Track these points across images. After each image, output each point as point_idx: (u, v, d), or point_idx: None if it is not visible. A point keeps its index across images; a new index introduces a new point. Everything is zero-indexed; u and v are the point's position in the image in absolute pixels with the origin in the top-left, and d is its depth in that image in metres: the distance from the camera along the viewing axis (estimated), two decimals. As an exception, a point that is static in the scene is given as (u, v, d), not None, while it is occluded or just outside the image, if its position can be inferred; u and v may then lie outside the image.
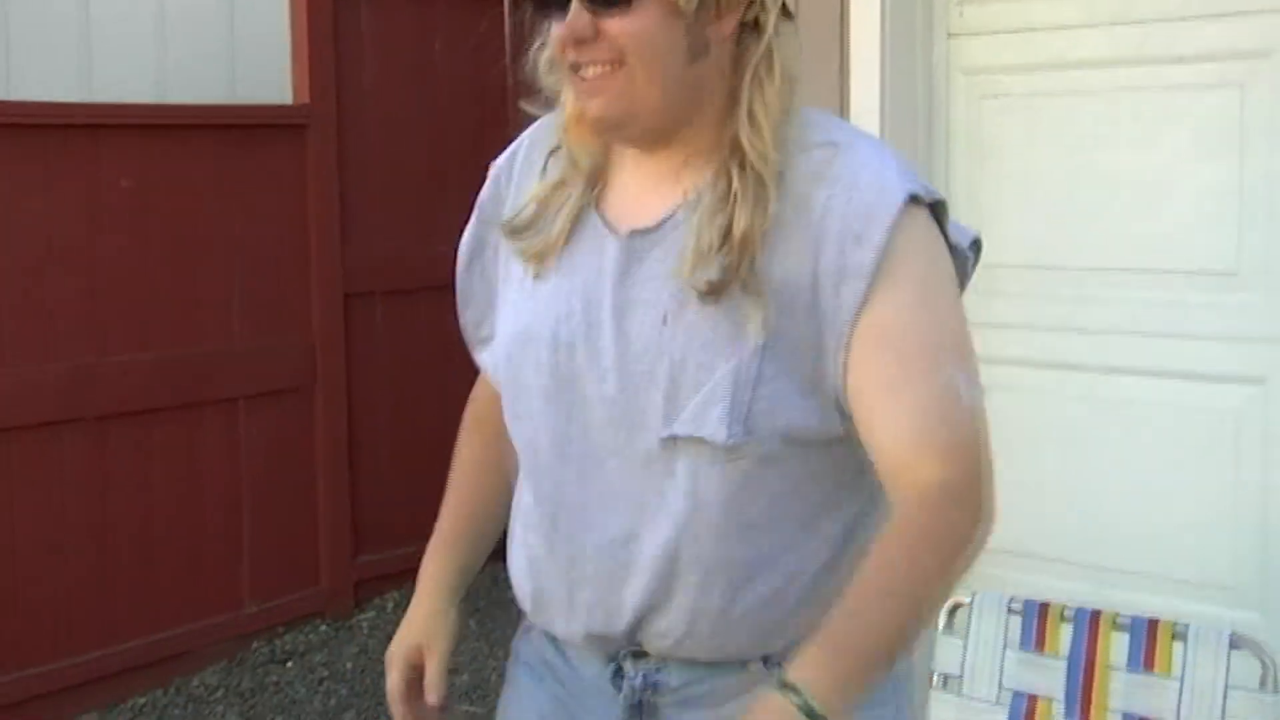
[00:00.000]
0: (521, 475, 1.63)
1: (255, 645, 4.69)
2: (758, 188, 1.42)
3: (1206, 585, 2.88)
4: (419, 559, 5.43)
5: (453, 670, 4.64)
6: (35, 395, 4.15)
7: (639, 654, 1.55)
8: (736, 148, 1.43)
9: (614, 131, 1.49)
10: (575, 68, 1.45)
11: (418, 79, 5.19)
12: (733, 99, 1.45)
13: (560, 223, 1.54)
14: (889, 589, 1.34)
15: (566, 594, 1.56)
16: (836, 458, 1.48)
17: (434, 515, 5.84)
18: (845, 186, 1.42)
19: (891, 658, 1.35)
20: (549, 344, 1.52)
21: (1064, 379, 3.03)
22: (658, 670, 1.54)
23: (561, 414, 1.53)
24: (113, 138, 4.31)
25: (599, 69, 1.44)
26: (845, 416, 1.44)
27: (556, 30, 1.45)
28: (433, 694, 1.70)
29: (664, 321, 1.45)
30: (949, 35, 3.14)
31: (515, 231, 1.58)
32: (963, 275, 1.49)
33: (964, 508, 1.38)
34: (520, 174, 1.66)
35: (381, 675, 4.72)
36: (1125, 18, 2.91)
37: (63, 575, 4.23)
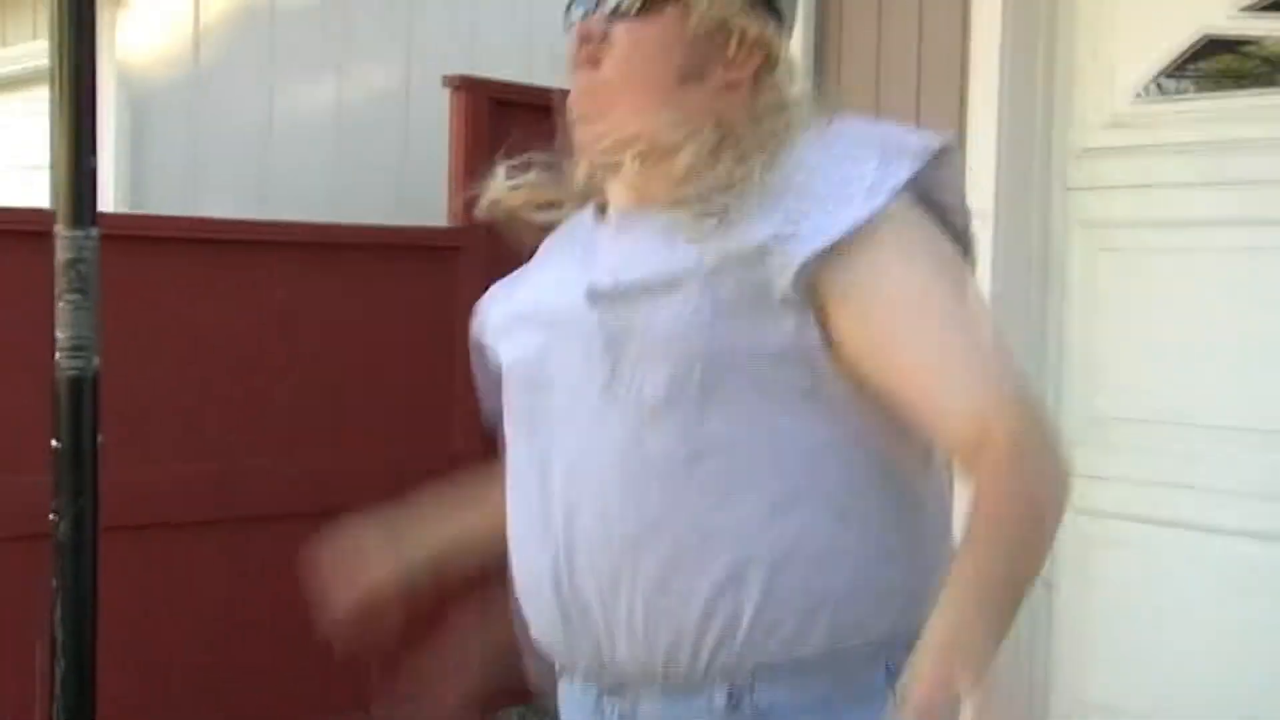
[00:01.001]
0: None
1: (395, 741, 4.79)
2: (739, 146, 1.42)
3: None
4: (541, 674, 5.47)
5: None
6: (184, 495, 4.36)
7: (615, 688, 1.46)
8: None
9: (580, 125, 1.51)
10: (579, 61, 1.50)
11: (572, 200, 5.37)
12: (733, 143, 1.43)
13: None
14: (995, 548, 1.25)
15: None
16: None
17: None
18: (830, 151, 1.40)
19: (1014, 614, 1.25)
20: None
21: (1173, 537, 3.00)
22: (632, 706, 1.45)
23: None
24: (271, 254, 4.55)
25: (590, 58, 1.48)
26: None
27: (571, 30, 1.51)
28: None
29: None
30: (1067, 189, 3.17)
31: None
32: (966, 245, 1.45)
33: (1044, 457, 1.33)
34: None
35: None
36: (1242, 179, 2.91)
37: (199, 669, 4.40)
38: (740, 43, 1.45)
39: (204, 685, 4.42)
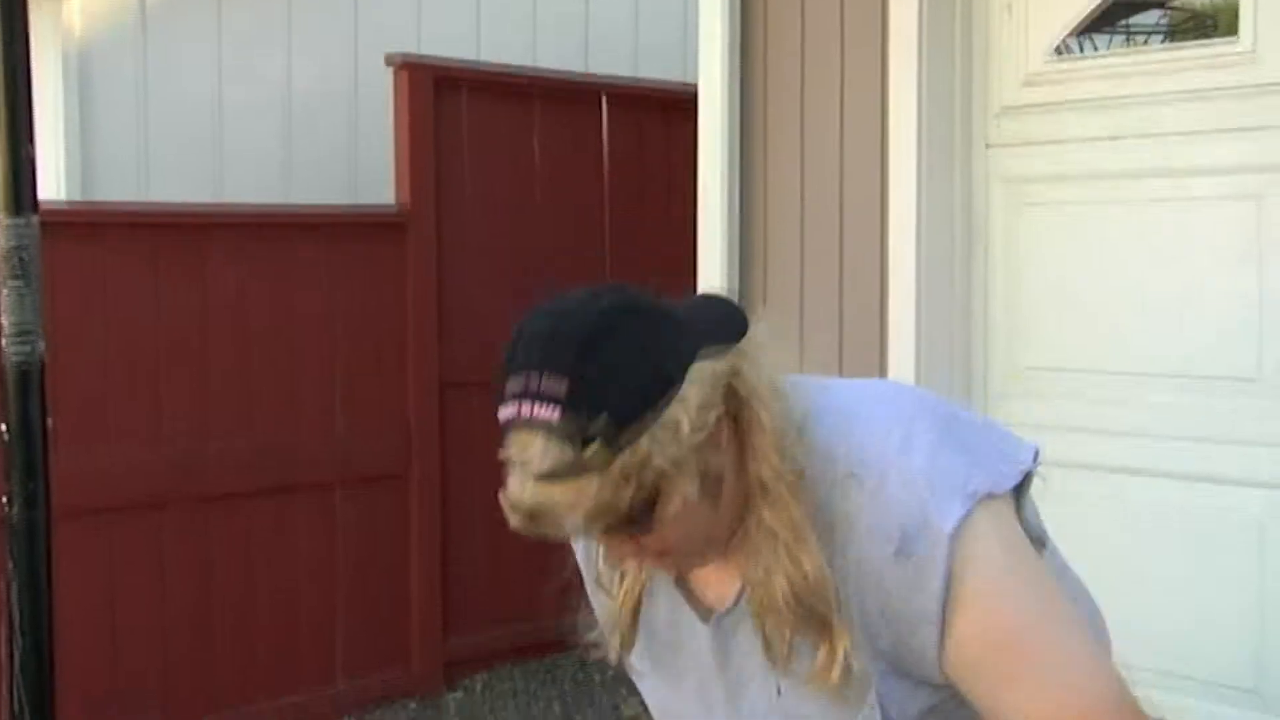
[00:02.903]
0: None
1: (346, 721, 4.88)
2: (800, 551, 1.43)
3: (1229, 688, 2.91)
4: (508, 642, 5.60)
5: (534, 752, 4.69)
6: (141, 478, 4.43)
7: None
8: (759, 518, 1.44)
9: (672, 567, 1.54)
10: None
11: (515, 176, 5.43)
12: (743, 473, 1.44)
13: (626, 612, 1.59)
14: None
15: None
16: None
17: (522, 601, 6.10)
18: (880, 538, 1.42)
19: None
20: None
21: (1092, 480, 3.10)
22: None
23: None
24: (219, 237, 4.61)
25: (652, 560, 1.49)
26: None
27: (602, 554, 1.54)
28: None
29: (778, 693, 1.50)
30: (987, 146, 3.26)
31: (597, 647, 1.63)
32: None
33: None
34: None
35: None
36: (1149, 131, 3.01)
37: (165, 648, 4.48)
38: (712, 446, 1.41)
39: (170, 664, 4.50)
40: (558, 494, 1.36)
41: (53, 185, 4.61)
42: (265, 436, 4.70)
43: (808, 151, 3.38)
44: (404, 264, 5.05)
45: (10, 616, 2.85)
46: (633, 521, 1.39)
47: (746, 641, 1.50)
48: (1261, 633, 2.89)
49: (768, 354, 1.46)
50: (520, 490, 1.37)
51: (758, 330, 1.47)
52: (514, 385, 1.40)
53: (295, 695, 4.80)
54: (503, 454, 1.40)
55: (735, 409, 1.41)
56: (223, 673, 4.61)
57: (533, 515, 1.38)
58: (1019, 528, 1.50)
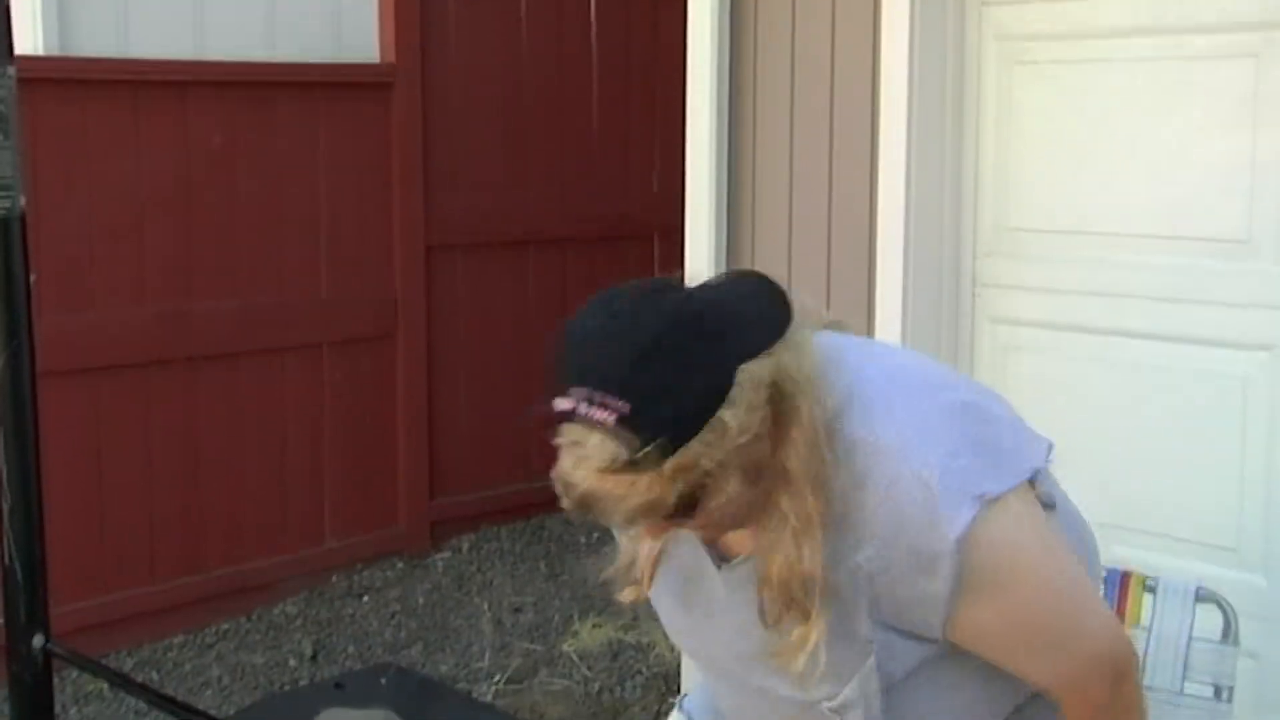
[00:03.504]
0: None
1: (334, 579, 4.93)
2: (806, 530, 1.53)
3: (1211, 547, 2.94)
4: (493, 503, 5.62)
5: (518, 609, 4.83)
6: (127, 338, 4.41)
7: None
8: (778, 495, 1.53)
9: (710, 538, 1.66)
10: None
11: (502, 36, 5.35)
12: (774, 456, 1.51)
13: (653, 554, 1.73)
14: None
15: None
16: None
17: (508, 462, 6.11)
18: (892, 532, 1.53)
19: None
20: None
21: (1079, 341, 3.10)
22: None
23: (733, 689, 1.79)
24: (202, 94, 4.55)
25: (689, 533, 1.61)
26: None
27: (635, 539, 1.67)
28: None
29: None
30: (982, 2, 3.21)
31: (610, 584, 1.77)
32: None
33: (1124, 708, 1.65)
34: None
35: (450, 611, 4.92)
36: (1146, -13, 2.96)
37: (152, 507, 4.51)
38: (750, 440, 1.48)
39: (158, 523, 4.53)
40: (610, 485, 1.45)
41: (29, 38, 4.52)
42: (250, 297, 4.69)
43: (799, 3, 3.33)
44: (389, 124, 5.01)
45: (-2, 473, 2.86)
46: (677, 514, 1.49)
47: (748, 593, 1.61)
48: (1241, 493, 2.92)
49: (810, 340, 1.54)
50: (572, 474, 1.46)
51: (801, 305, 1.55)
52: (571, 391, 1.47)
53: (283, 555, 4.85)
54: (558, 439, 1.48)
55: (778, 401, 1.48)
56: (211, 532, 4.65)
57: (583, 502, 1.47)
58: (1030, 509, 1.62)
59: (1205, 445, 2.95)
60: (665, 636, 4.31)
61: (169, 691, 3.97)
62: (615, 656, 4.36)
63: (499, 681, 4.22)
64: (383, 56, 5.04)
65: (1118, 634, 1.68)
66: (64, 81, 4.25)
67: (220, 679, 4.27)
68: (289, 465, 4.86)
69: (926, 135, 3.20)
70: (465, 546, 5.26)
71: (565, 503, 1.49)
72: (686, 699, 2.11)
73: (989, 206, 3.24)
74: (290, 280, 4.80)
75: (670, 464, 1.43)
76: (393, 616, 4.72)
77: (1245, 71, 2.84)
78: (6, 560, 2.81)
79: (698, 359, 1.45)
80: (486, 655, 4.40)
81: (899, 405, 1.58)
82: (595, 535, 5.40)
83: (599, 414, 1.43)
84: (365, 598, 4.85)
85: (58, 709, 3.40)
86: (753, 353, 1.46)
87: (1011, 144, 3.20)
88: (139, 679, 4.08)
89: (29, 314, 2.81)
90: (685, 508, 1.48)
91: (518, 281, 5.45)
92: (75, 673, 4.10)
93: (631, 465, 1.43)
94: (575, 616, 4.65)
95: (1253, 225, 2.86)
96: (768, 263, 3.51)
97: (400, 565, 5.10)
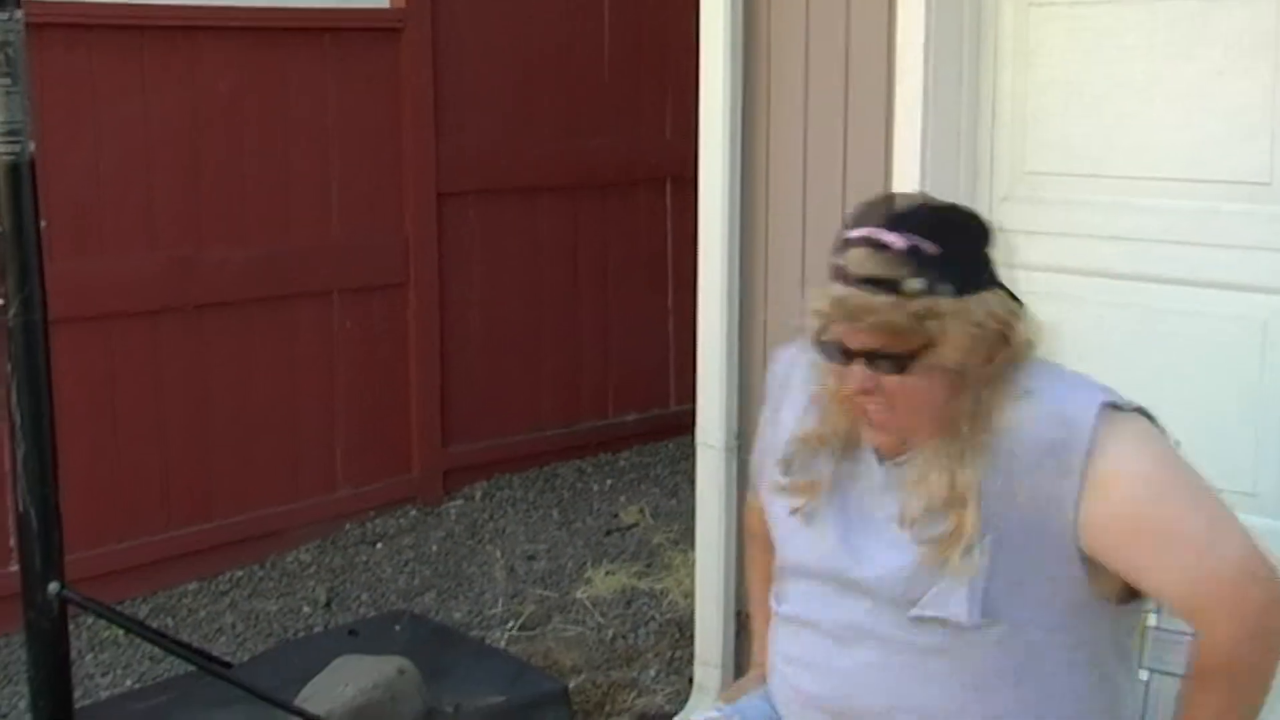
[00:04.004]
0: (784, 637, 2.03)
1: (347, 527, 4.94)
2: (974, 452, 1.79)
3: (1229, 492, 2.89)
4: (505, 451, 5.62)
5: (531, 556, 4.84)
6: (137, 285, 4.40)
7: None
8: (960, 424, 1.81)
9: (892, 453, 1.88)
10: (858, 407, 1.84)
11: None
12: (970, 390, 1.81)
13: (823, 471, 1.93)
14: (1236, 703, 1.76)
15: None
16: (1058, 652, 1.83)
17: (521, 410, 6.12)
18: (1035, 436, 1.77)
19: None
20: (819, 568, 1.94)
21: (1098, 286, 3.07)
22: None
23: (831, 602, 1.92)
24: (210, 41, 4.51)
25: (877, 409, 1.82)
26: (1078, 617, 1.82)
27: (843, 379, 1.83)
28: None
29: (911, 525, 1.83)
30: (999, -58, 3.16)
31: (786, 471, 1.97)
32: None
33: (1265, 628, 1.74)
34: (785, 392, 2.08)
35: (463, 559, 4.94)
36: (1167, -75, 2.91)
37: (165, 454, 4.51)
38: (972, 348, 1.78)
39: (170, 470, 4.54)
40: (866, 295, 1.74)
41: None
42: (261, 244, 4.67)
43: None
44: (399, 70, 4.97)
45: (11, 419, 2.85)
46: (896, 357, 1.76)
47: (900, 489, 1.85)
48: (1259, 439, 2.90)
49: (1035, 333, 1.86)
50: (837, 286, 1.77)
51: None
52: (868, 224, 1.78)
53: (296, 503, 4.85)
54: (834, 260, 1.79)
55: (1004, 328, 1.79)
56: (223, 479, 4.66)
57: (835, 303, 1.76)
58: (1158, 431, 1.87)
59: (1224, 389, 2.92)
60: (677, 584, 4.31)
61: (183, 638, 3.98)
62: (628, 603, 4.37)
63: (512, 628, 4.22)
64: (393, 1, 5.00)
65: (1256, 553, 1.76)
66: (71, 26, 4.21)
67: (234, 626, 4.29)
68: (301, 413, 4.85)
69: (943, 77, 3.16)
70: (478, 494, 5.26)
71: (815, 303, 1.78)
72: (730, 708, 2.16)
73: (1006, 150, 3.20)
74: (300, 227, 4.78)
75: (920, 304, 1.73)
76: (406, 564, 4.73)
77: (1267, 11, 2.79)
78: (21, 507, 2.80)
79: (984, 253, 1.84)
80: (500, 602, 4.41)
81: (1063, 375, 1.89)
82: (609, 483, 5.41)
83: (888, 238, 1.75)
84: (379, 545, 4.86)
85: (73, 655, 3.41)
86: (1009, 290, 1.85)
87: (1029, 87, 3.16)
88: (153, 626, 4.09)
89: (40, 261, 2.79)
90: (905, 354, 1.75)
91: (529, 228, 5.42)
92: (91, 619, 4.11)
93: (890, 286, 1.73)
94: (588, 563, 4.66)
95: (1274, 167, 2.82)
96: (782, 206, 3.49)
97: (413, 513, 5.10)
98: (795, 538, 1.98)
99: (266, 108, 4.65)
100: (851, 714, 1.92)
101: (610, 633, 4.19)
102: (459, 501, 5.22)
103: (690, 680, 3.75)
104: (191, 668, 3.47)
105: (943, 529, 1.78)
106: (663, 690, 3.84)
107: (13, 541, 2.89)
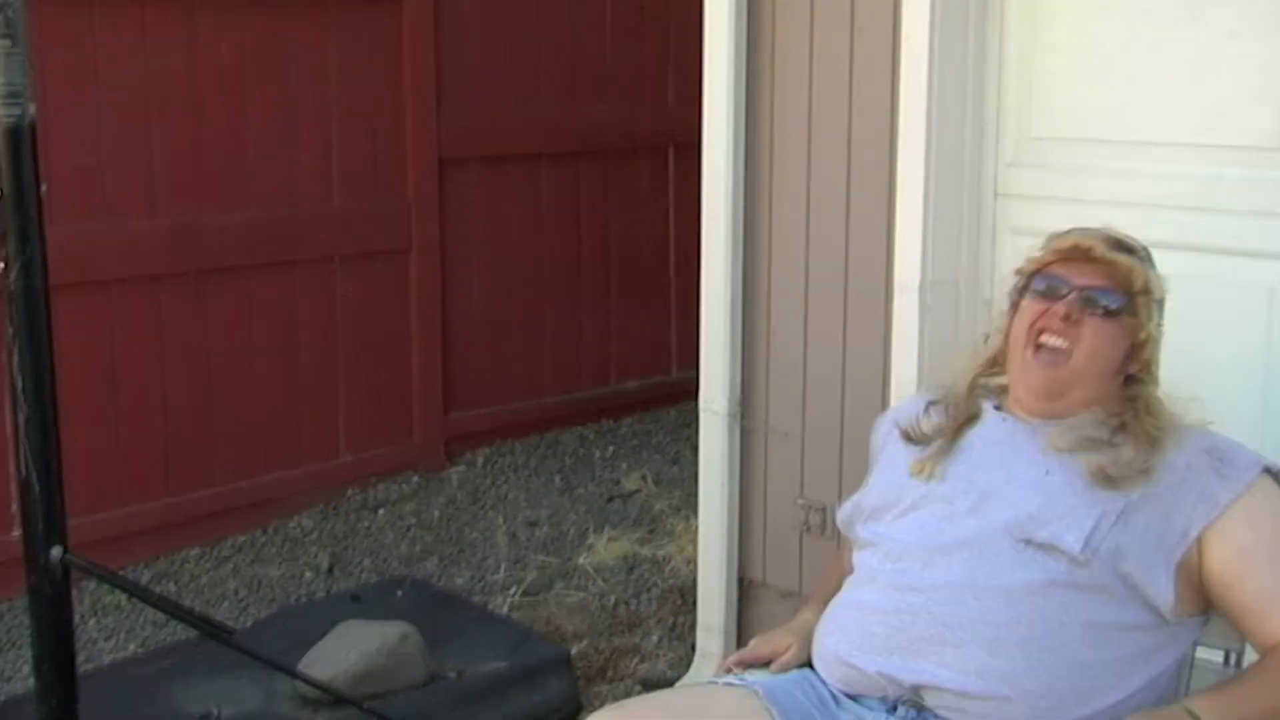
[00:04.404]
0: (872, 573, 2.18)
1: (349, 493, 4.94)
2: (1151, 436, 2.08)
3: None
4: (507, 418, 5.61)
5: (533, 523, 4.84)
6: (138, 250, 4.39)
7: (917, 705, 2.07)
8: (1134, 407, 2.13)
9: (1047, 400, 2.15)
10: (1039, 338, 2.13)
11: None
12: (1127, 380, 2.18)
13: (944, 432, 2.23)
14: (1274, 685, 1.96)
15: (889, 648, 2.08)
16: (1142, 636, 2.04)
17: (522, 377, 6.12)
18: (1204, 450, 2.10)
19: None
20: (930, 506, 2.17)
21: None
22: (923, 718, 2.06)
23: (946, 526, 2.12)
24: (212, 5, 4.48)
25: (1057, 342, 2.10)
26: (1167, 617, 2.04)
27: (1050, 306, 2.14)
28: (777, 667, 2.30)
29: (1046, 473, 2.09)
30: (1007, -94, 3.14)
31: (912, 438, 2.26)
32: None
33: None
34: (881, 455, 2.37)
35: (465, 525, 4.94)
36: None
37: (166, 420, 4.50)
38: (1147, 345, 2.17)
39: (172, 436, 4.53)
40: (1107, 247, 2.18)
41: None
42: (262, 210, 4.66)
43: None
44: (401, 35, 4.95)
45: (12, 384, 2.84)
46: (1109, 300, 2.13)
47: (1045, 438, 2.14)
48: (1265, 404, 2.89)
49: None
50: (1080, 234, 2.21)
51: None
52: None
53: (298, 469, 4.85)
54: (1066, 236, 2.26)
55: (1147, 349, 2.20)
56: (225, 446, 4.65)
57: (1078, 242, 2.19)
58: None
59: (1231, 356, 2.91)
60: (679, 550, 4.30)
61: (185, 603, 3.99)
62: (630, 570, 4.37)
63: (514, 594, 4.23)
64: (393, -37, 4.96)
65: None
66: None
67: (237, 591, 4.29)
68: (302, 379, 4.85)
69: (949, 42, 3.13)
70: (480, 461, 5.26)
71: (1061, 241, 2.20)
72: (750, 675, 2.25)
73: (1012, 115, 3.18)
74: (302, 193, 4.76)
75: (1147, 272, 2.18)
76: (408, 530, 4.73)
77: (1277, -25, 2.77)
78: (23, 473, 2.79)
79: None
80: (502, 569, 4.41)
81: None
82: (610, 449, 5.40)
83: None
84: (380, 512, 4.86)
85: (76, 620, 3.42)
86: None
87: (1036, 50, 3.14)
88: (156, 591, 4.09)
89: (40, 225, 2.78)
90: (1113, 303, 2.12)
91: (531, 195, 5.40)
92: (93, 585, 4.12)
93: (1134, 252, 2.21)
94: (590, 530, 4.66)
95: (1282, 133, 2.80)
96: (787, 174, 3.47)
97: (415, 479, 5.10)
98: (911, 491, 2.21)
99: (268, 73, 4.63)
100: (916, 628, 2.05)
101: (612, 599, 4.19)
102: (461, 468, 5.21)
103: (693, 646, 3.76)
104: (194, 633, 3.47)
105: (1112, 469, 2.05)
106: (665, 656, 3.84)
107: (15, 507, 2.89)
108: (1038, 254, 2.25)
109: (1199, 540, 2.04)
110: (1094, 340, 2.11)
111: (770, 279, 3.54)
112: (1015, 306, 2.27)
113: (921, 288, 3.22)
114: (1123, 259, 2.15)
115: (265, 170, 4.65)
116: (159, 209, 4.41)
